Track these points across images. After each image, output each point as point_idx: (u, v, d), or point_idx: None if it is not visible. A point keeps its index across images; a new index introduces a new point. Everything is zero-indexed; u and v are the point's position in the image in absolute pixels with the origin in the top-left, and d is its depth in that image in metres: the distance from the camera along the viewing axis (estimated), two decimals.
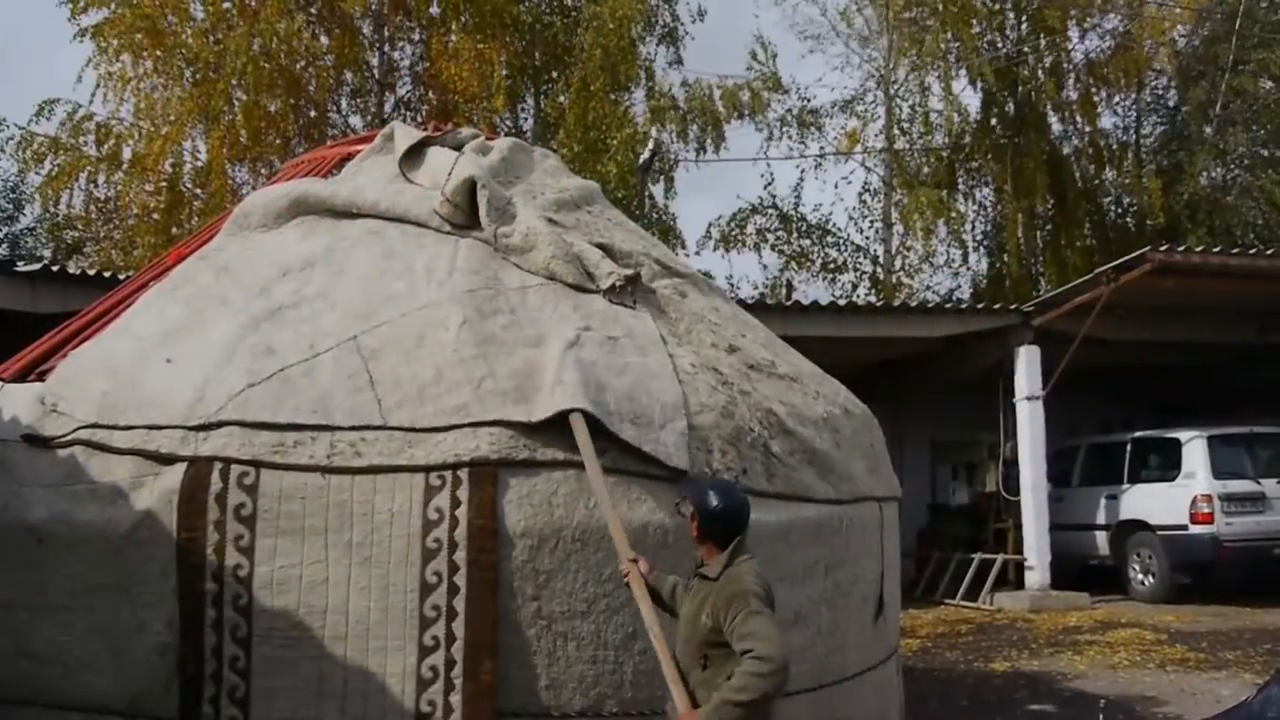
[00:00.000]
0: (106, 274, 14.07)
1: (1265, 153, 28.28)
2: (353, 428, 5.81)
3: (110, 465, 5.97)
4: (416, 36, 25.14)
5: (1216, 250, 17.21)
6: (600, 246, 7.48)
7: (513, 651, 5.63)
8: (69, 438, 6.13)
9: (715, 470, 6.21)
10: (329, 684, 5.55)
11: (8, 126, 23.28)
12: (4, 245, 26.74)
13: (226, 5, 23.22)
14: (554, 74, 25.17)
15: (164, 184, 23.10)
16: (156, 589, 5.66)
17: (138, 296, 7.50)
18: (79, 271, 14.34)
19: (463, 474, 5.67)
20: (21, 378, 6.99)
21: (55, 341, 7.45)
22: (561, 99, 24.32)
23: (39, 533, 5.93)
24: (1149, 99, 30.19)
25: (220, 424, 5.85)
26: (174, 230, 21.77)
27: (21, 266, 12.99)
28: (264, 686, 5.54)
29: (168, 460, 5.84)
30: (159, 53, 22.77)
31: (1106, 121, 30.19)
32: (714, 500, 4.99)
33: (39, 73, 53.51)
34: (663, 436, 6.06)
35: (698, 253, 28.55)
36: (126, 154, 23.16)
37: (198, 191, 23.21)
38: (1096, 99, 29.34)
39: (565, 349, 6.26)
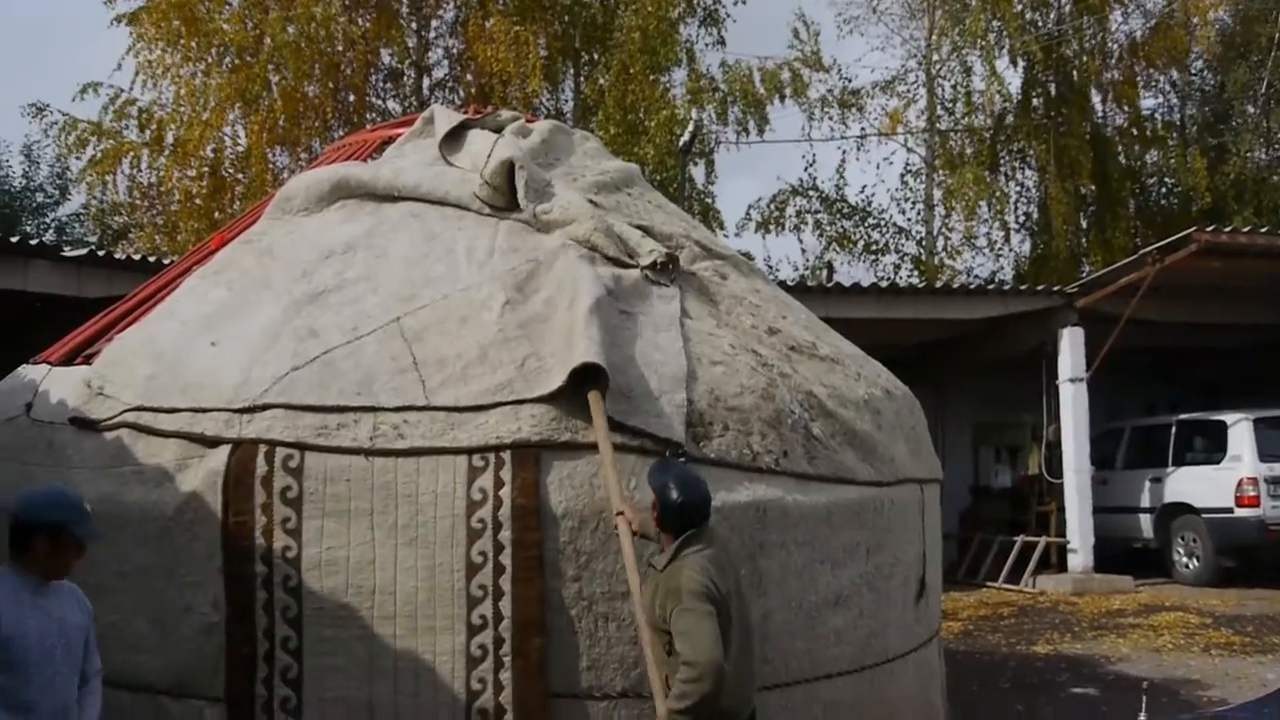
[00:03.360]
0: (151, 259, 14.19)
1: None
2: (396, 409, 5.85)
3: (156, 448, 6.04)
4: (452, 18, 25.18)
5: (1264, 230, 17.03)
6: (641, 228, 7.49)
7: (555, 632, 5.65)
8: (115, 420, 6.20)
9: (756, 453, 6.23)
10: (380, 663, 5.59)
11: (51, 112, 23.47)
12: (51, 231, 27.03)
13: None
14: (593, 55, 25.11)
15: (206, 169, 23.28)
16: (202, 570, 5.72)
17: (182, 281, 7.55)
18: (124, 256, 14.45)
19: (505, 455, 5.70)
20: (68, 361, 7.07)
21: (101, 325, 7.53)
22: (601, 81, 24.26)
23: None
24: (1193, 79, 29.85)
25: (265, 407, 5.90)
26: (217, 215, 21.96)
27: (68, 252, 13.11)
28: (316, 666, 5.59)
29: (212, 443, 5.90)
30: (194, 41, 22.91)
31: (1150, 102, 29.98)
32: (673, 493, 5.10)
33: (80, 58, 54.05)
34: (658, 407, 6.06)
35: (738, 234, 28.50)
36: (169, 139, 23.37)
37: (239, 176, 23.37)
38: (1140, 79, 29.07)
39: (590, 310, 6.28)
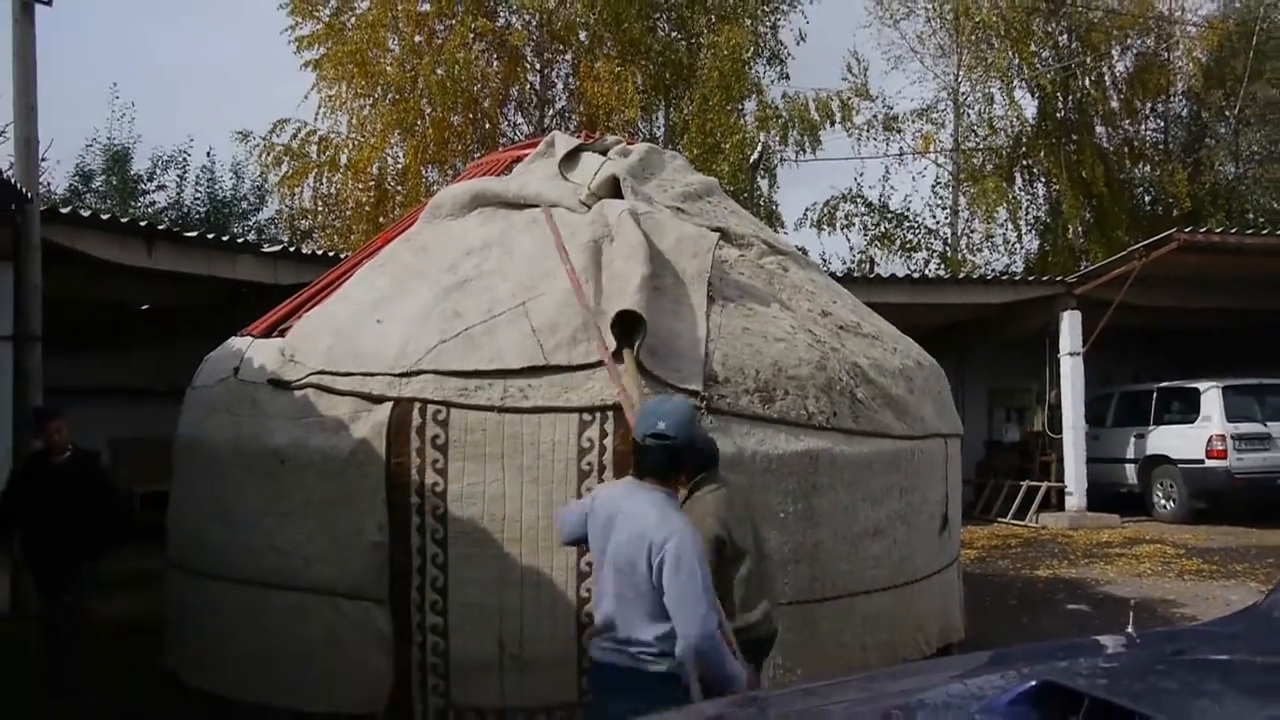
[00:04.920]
0: (330, 254, 14.41)
1: (1276, 149, 27.58)
2: (522, 371, 5.89)
3: (334, 403, 6.13)
4: (569, 58, 25.16)
5: (1233, 231, 16.58)
6: (718, 229, 7.47)
7: None
8: (303, 381, 6.31)
9: (810, 413, 6.22)
10: (508, 575, 5.68)
11: (253, 137, 23.94)
12: (253, 231, 27.56)
13: (418, 40, 23.53)
14: (680, 90, 24.98)
15: (372, 183, 23.57)
16: (370, 500, 5.82)
17: (354, 272, 7.65)
18: (310, 252, 14.70)
19: (609, 413, 5.74)
20: (267, 335, 7.19)
21: (292, 306, 7.65)
22: (686, 111, 24.16)
23: (281, 455, 6.14)
24: (1177, 105, 29.17)
25: (419, 372, 5.98)
26: (381, 220, 22.17)
27: (266, 248, 13.38)
28: (458, 577, 5.70)
29: (378, 400, 5.98)
30: (363, 80, 23.19)
31: (1139, 125, 29.26)
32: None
33: (274, 92, 55.02)
34: (678, 364, 6.02)
35: (796, 230, 28.35)
36: (343, 160, 23.71)
37: (399, 189, 23.60)
38: (1134, 106, 28.43)
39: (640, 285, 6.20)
